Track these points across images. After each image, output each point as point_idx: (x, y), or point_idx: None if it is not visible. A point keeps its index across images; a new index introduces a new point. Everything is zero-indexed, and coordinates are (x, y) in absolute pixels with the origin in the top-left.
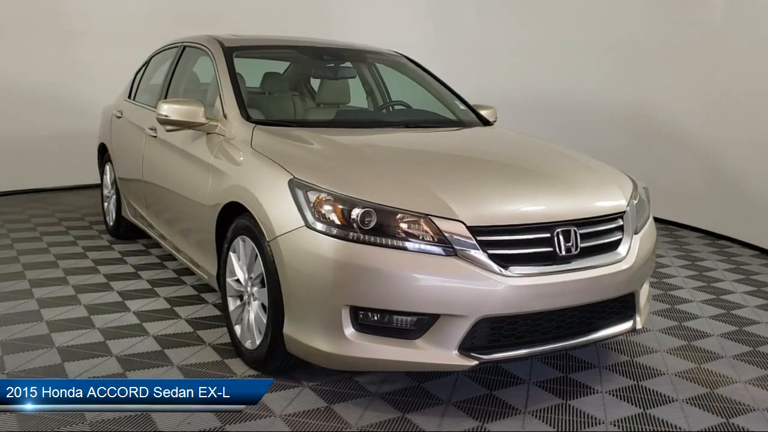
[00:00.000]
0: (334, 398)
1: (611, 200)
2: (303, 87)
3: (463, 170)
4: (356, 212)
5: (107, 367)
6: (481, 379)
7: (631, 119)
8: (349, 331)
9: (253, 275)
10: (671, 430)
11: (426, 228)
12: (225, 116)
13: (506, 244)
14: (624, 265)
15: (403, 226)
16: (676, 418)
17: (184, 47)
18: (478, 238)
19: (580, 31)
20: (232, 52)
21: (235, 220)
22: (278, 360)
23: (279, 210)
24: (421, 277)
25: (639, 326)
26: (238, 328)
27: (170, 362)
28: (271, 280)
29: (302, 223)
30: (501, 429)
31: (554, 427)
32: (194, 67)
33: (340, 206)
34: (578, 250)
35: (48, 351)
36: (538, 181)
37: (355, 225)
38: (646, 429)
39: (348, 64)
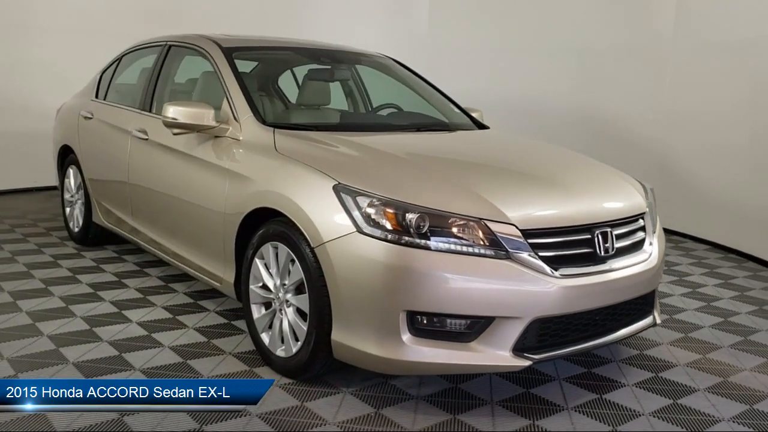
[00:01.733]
0: (380, 403)
1: (634, 201)
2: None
3: (499, 173)
4: (410, 217)
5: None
6: (513, 378)
7: (584, 122)
8: (406, 335)
9: (287, 282)
10: (706, 418)
11: (479, 231)
12: (236, 119)
13: (554, 246)
14: (650, 264)
15: (456, 229)
16: (706, 407)
17: (170, 47)
18: (529, 240)
19: (533, 37)
20: (231, 52)
21: (263, 226)
22: (319, 366)
23: (325, 216)
24: (478, 280)
25: (658, 321)
26: (265, 336)
27: (199, 374)
28: (315, 286)
29: (353, 228)
30: (551, 425)
31: (600, 421)
32: (183, 68)
33: (393, 211)
34: (614, 250)
35: (64, 367)
36: (574, 184)
37: (410, 230)
38: (685, 418)
39: (344, 65)
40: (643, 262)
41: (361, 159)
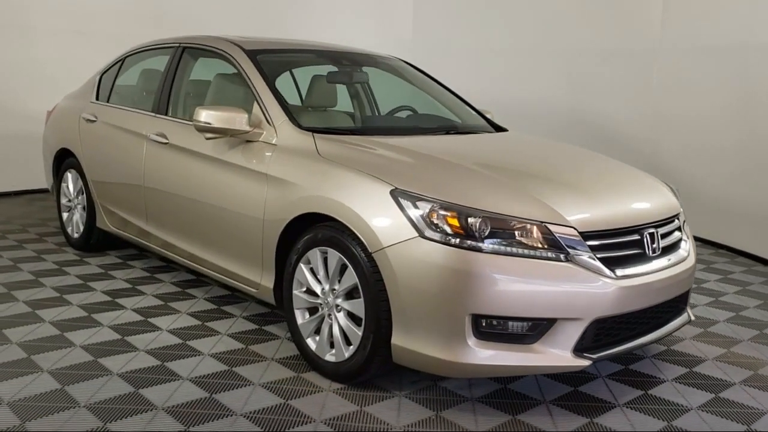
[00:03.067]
0: (438, 406)
1: (671, 202)
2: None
3: (547, 176)
4: (472, 221)
5: (188, 392)
6: (558, 377)
7: (572, 124)
8: (471, 338)
9: (337, 287)
10: (751, 411)
11: (540, 235)
12: (269, 123)
13: (609, 247)
14: (689, 263)
15: (518, 233)
16: (747, 400)
17: (183, 48)
18: (588, 242)
19: (520, 39)
20: (255, 55)
21: (309, 231)
22: (375, 370)
23: (383, 221)
24: (541, 282)
25: (692, 318)
26: (311, 341)
27: (250, 382)
28: (372, 291)
29: (415, 233)
30: (609, 423)
31: (654, 417)
32: (199, 70)
33: (455, 216)
34: (660, 250)
35: (110, 378)
36: (619, 186)
37: (474, 234)
38: (731, 411)
39: (363, 68)
40: (682, 261)
41: (408, 163)
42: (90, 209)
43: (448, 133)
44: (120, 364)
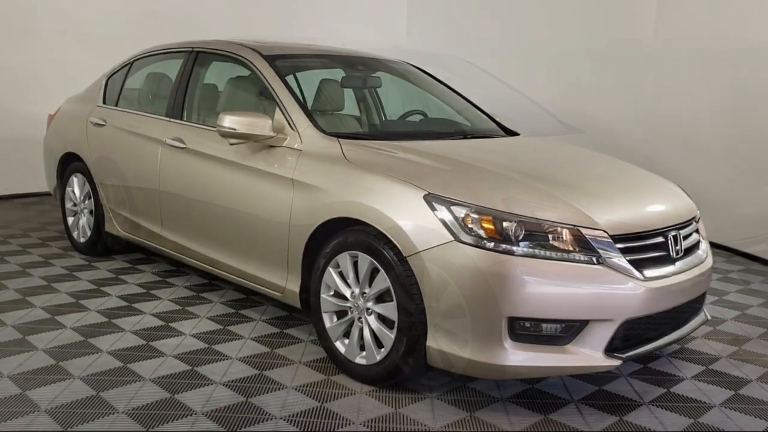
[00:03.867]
0: (470, 406)
1: (689, 205)
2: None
3: (573, 180)
4: (507, 225)
5: (225, 396)
6: (583, 376)
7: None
8: (508, 341)
9: (367, 291)
10: None
11: (572, 238)
12: (293, 129)
13: (637, 249)
14: (708, 264)
15: (551, 236)
16: (767, 396)
17: (197, 53)
18: (618, 245)
19: (512, 40)
20: (274, 60)
21: (338, 236)
22: (408, 373)
23: (417, 225)
24: (574, 285)
25: (709, 317)
26: (340, 345)
27: (282, 385)
28: (404, 294)
29: (450, 237)
30: (638, 420)
31: (680, 414)
32: (213, 75)
33: (490, 220)
34: (683, 252)
35: (143, 384)
36: (642, 189)
37: (510, 238)
38: (754, 408)
39: (378, 73)
40: (702, 262)
41: (437, 167)
42: (98, 213)
43: (465, 137)
44: (150, 369)
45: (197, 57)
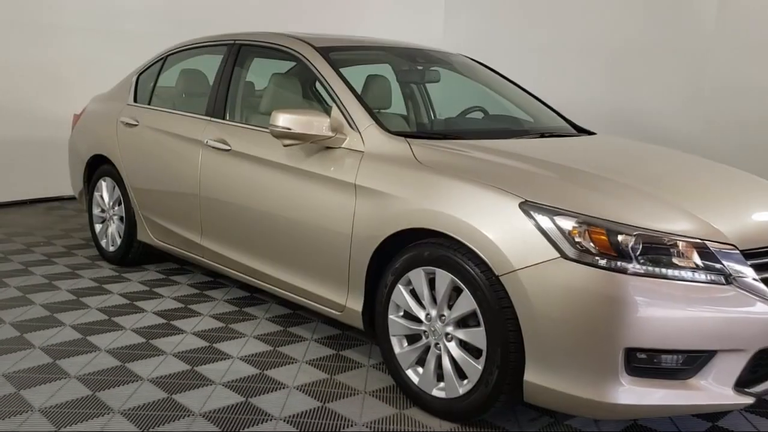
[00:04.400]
0: None
1: None
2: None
3: (687, 186)
4: (623, 239)
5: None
6: None
7: (615, 124)
8: (624, 376)
9: (446, 313)
10: None
11: (699, 254)
12: (353, 128)
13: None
14: None
15: (673, 252)
16: None
17: (240, 46)
18: (749, 262)
19: (559, 36)
20: (327, 52)
21: (411, 249)
22: (499, 409)
23: (513, 239)
24: (702, 309)
25: None
26: (412, 373)
27: (351, 421)
28: (495, 319)
29: (555, 253)
30: (732, 425)
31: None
32: (257, 70)
33: (603, 233)
34: None
35: (194, 420)
36: (762, 197)
37: (626, 254)
38: None
39: (436, 68)
40: None
41: (527, 170)
42: (129, 220)
43: (542, 135)
44: (200, 401)
45: (240, 50)
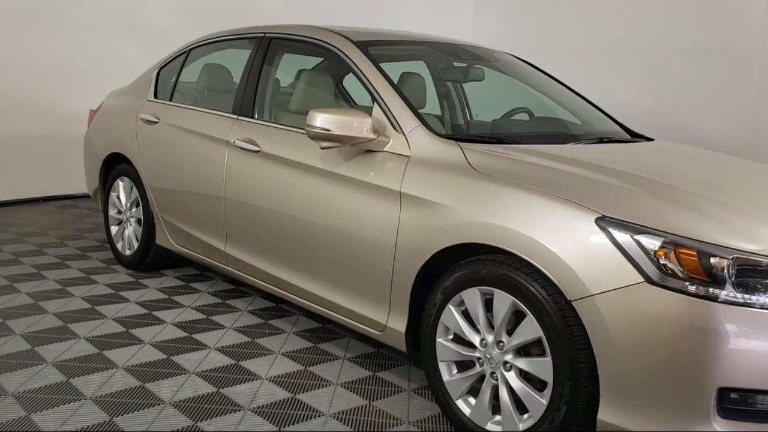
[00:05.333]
0: None
1: None
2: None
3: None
4: (717, 262)
5: None
6: None
7: (651, 129)
8: (717, 418)
9: (505, 339)
10: None
11: None
12: (397, 130)
13: None
14: None
15: None
16: None
17: (270, 39)
18: None
19: (592, 36)
20: (366, 47)
21: (466, 266)
22: None
23: (588, 258)
24: None
25: None
26: (462, 404)
27: None
28: (564, 348)
29: (639, 277)
30: None
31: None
32: (289, 66)
33: (694, 255)
34: None
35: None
36: None
37: (721, 279)
38: None
39: (479, 65)
40: None
41: (599, 181)
42: (148, 223)
43: (601, 141)
44: (227, 428)
45: (270, 45)
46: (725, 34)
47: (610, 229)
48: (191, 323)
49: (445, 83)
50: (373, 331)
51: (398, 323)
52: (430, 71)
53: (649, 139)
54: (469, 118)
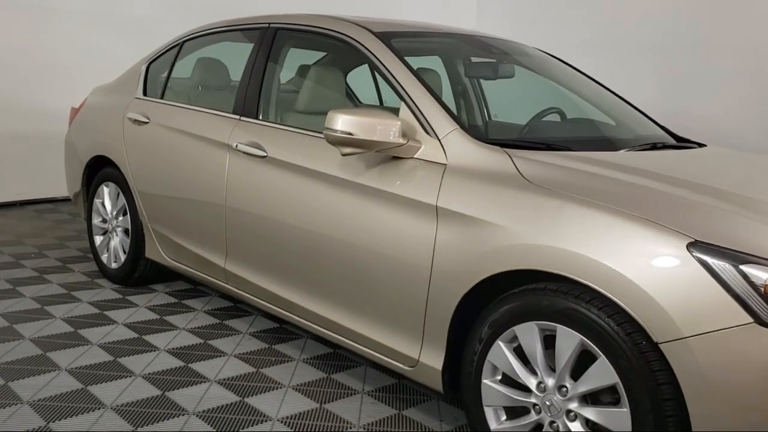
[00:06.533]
0: None
1: None
2: (465, 90)
3: None
4: None
5: None
6: None
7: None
8: None
9: (569, 384)
10: None
11: None
12: (430, 134)
13: None
14: None
15: None
16: None
17: (276, 30)
18: None
19: (603, 32)
20: (389, 39)
21: (520, 296)
22: None
23: (680, 293)
24: None
25: None
26: None
27: None
28: (647, 399)
29: (746, 317)
30: None
31: None
32: (297, 60)
33: None
34: None
35: None
36: None
37: None
38: None
39: (508, 60)
40: None
41: (684, 198)
42: (136, 234)
43: (655, 147)
44: None
45: (276, 36)
46: (746, 30)
47: (707, 258)
48: (188, 350)
49: (462, 80)
50: (401, 365)
51: (433, 359)
52: (445, 66)
53: (701, 145)
54: (488, 119)
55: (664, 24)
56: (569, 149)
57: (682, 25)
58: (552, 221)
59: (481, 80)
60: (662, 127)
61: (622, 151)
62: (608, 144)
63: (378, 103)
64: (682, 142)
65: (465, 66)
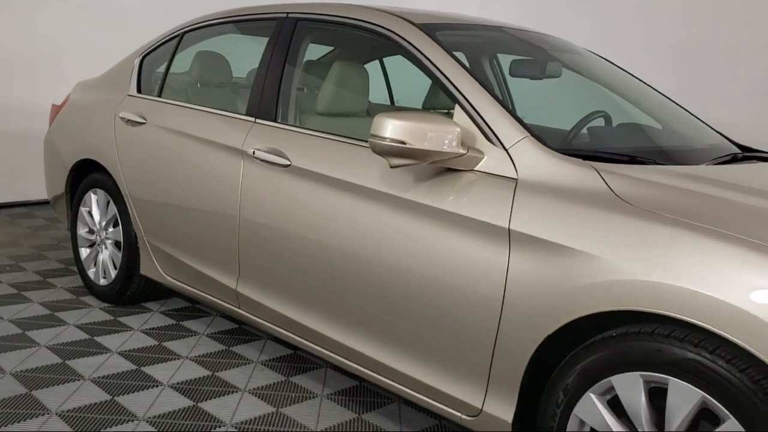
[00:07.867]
0: None
1: None
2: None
3: None
4: None
5: None
6: None
7: None
8: None
9: None
10: None
11: None
12: (495, 143)
13: None
14: None
15: None
16: None
17: (296, 21)
18: None
19: (611, 30)
20: (434, 31)
21: (619, 340)
22: None
23: None
24: None
25: None
26: None
27: None
28: None
29: None
30: None
31: None
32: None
33: None
34: None
35: None
36: None
37: None
38: None
39: (556, 59)
40: None
41: None
42: (129, 248)
43: (735, 158)
44: None
45: (296, 27)
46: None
47: None
48: (195, 384)
49: (487, 78)
50: (459, 414)
51: (501, 409)
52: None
53: (755, 151)
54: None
55: (679, 21)
56: (654, 162)
57: (697, 22)
58: (665, 253)
59: (508, 79)
60: (724, 136)
61: (703, 165)
62: (687, 156)
63: (389, 102)
64: (748, 151)
65: (512, 64)
